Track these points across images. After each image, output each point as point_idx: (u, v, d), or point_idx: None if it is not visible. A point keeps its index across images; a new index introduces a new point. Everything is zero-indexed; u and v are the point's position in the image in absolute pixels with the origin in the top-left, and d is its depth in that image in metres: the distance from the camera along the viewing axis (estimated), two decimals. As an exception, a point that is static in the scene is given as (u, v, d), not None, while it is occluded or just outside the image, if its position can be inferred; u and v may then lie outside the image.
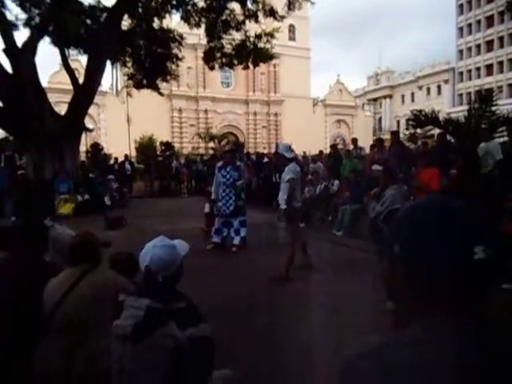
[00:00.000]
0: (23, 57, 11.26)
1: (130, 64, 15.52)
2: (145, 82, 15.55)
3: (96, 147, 19.38)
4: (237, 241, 6.70)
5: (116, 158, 18.27)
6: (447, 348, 0.60)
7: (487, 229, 0.66)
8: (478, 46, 49.73)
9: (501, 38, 47.09)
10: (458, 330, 0.61)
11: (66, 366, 1.94)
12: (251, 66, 15.35)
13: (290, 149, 5.68)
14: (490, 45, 48.51)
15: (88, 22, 13.48)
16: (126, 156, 17.74)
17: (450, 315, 0.62)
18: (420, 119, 7.08)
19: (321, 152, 13.05)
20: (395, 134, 8.99)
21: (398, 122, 55.18)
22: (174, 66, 15.56)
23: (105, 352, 1.74)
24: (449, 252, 0.62)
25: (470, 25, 50.66)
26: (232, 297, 4.50)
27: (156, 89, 15.99)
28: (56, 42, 13.24)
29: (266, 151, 29.08)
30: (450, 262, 0.62)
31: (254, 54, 14.31)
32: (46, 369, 1.97)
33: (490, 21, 48.13)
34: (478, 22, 49.54)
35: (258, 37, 14.15)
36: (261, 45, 14.29)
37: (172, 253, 1.80)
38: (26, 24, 12.95)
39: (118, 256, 2.75)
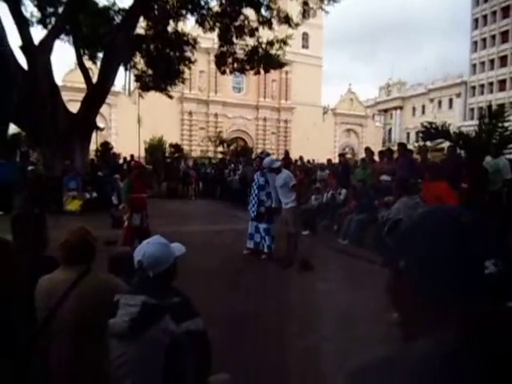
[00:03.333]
0: (39, 54, 11.42)
1: (140, 65, 15.69)
2: (151, 84, 15.73)
3: (106, 146, 19.53)
4: (265, 248, 6.79)
5: (125, 158, 18.40)
6: (458, 363, 0.58)
7: (498, 242, 0.64)
8: (492, 61, 49.49)
9: (515, 54, 46.86)
10: (469, 345, 0.60)
11: (73, 370, 1.92)
12: (262, 71, 15.43)
13: (273, 160, 6.88)
14: (503, 60, 48.25)
15: (103, 22, 13.69)
16: (131, 156, 17.86)
17: (461, 330, 0.60)
18: (430, 132, 7.06)
19: (329, 160, 13.01)
20: (402, 145, 8.97)
21: (408, 134, 54.97)
22: (186, 69, 15.69)
23: (105, 353, 1.75)
24: (459, 267, 0.60)
25: (484, 39, 50.49)
26: (234, 303, 4.49)
27: (164, 91, 16.13)
28: (71, 42, 13.45)
29: (274, 157, 29.06)
30: (461, 276, 0.60)
31: (265, 60, 14.38)
32: (55, 372, 1.94)
33: (504, 36, 47.92)
34: (493, 36, 49.36)
35: (271, 43, 14.23)
36: (273, 51, 14.37)
37: (165, 250, 1.84)
38: (40, 22, 13.18)
39: (118, 255, 2.70)
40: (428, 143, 9.56)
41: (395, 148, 9.71)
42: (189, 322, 1.68)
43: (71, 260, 2.03)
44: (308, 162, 15.95)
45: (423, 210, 0.73)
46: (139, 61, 15.59)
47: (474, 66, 51.53)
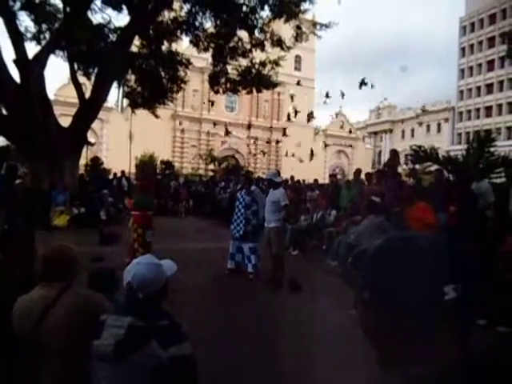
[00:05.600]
0: (32, 69, 11.43)
1: (131, 83, 15.81)
2: (140, 102, 15.83)
3: (96, 161, 19.46)
4: (250, 268, 6.64)
5: (115, 174, 18.30)
6: None
7: (458, 266, 0.62)
8: (479, 88, 50.91)
9: (501, 82, 48.27)
10: (435, 378, 0.58)
11: None
12: (255, 91, 15.65)
13: (277, 174, 6.73)
14: (489, 87, 49.69)
15: (98, 39, 13.83)
16: (122, 172, 17.75)
17: (428, 360, 0.58)
18: (419, 155, 7.17)
19: (315, 181, 13.11)
20: (392, 168, 9.05)
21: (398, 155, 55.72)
22: (179, 88, 15.85)
23: (88, 375, 1.68)
24: (418, 295, 0.58)
25: (471, 67, 52.04)
26: (219, 322, 4.42)
27: (152, 109, 16.21)
28: (66, 57, 13.52)
29: (264, 177, 29.16)
30: (420, 305, 0.58)
31: (257, 81, 14.60)
32: None
33: (490, 65, 49.48)
34: (479, 65, 50.92)
35: (263, 64, 14.48)
36: (265, 72, 14.61)
37: (156, 271, 1.75)
38: (34, 38, 13.28)
39: (99, 272, 2.66)
40: (417, 166, 9.70)
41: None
42: (176, 346, 1.61)
43: (50, 277, 1.96)
44: (298, 182, 16.03)
45: (383, 238, 0.71)
46: (130, 78, 15.72)
47: (462, 92, 52.94)
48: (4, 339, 1.96)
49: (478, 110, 50.98)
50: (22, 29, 12.64)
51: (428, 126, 55.95)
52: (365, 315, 0.67)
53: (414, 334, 0.60)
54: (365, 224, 5.32)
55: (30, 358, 1.87)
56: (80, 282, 2.34)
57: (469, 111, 51.91)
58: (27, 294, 1.96)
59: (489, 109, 49.75)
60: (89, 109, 12.77)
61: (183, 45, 21.44)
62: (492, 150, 7.89)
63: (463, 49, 53.21)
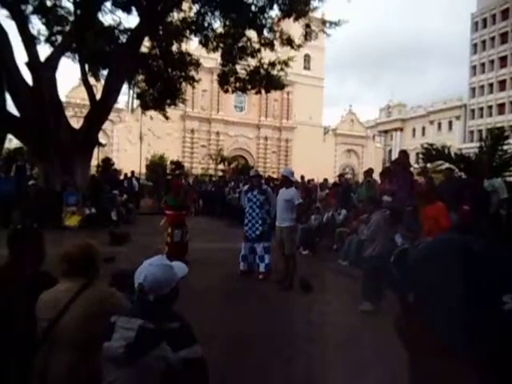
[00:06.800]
0: (44, 71, 11.58)
1: (142, 84, 15.92)
2: (151, 103, 15.92)
3: (107, 162, 19.61)
4: (262, 268, 6.59)
5: (125, 174, 18.46)
6: None
7: None
8: (491, 85, 50.15)
9: (514, 78, 47.50)
10: None
11: (72, 381, 1.89)
12: (264, 91, 15.63)
13: (293, 174, 6.66)
14: (502, 84, 48.90)
15: (108, 41, 13.96)
16: (132, 172, 17.90)
17: (478, 377, 0.54)
18: (431, 153, 7.10)
19: (325, 180, 13.10)
20: (402, 165, 8.96)
21: (408, 156, 55.16)
22: (189, 88, 15.94)
23: (100, 372, 1.70)
24: (474, 303, 0.54)
25: (483, 64, 51.29)
26: (231, 323, 4.42)
27: (163, 110, 16.30)
28: (77, 59, 13.67)
29: (275, 176, 29.16)
30: (476, 314, 0.54)
31: (266, 81, 14.58)
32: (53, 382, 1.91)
33: (503, 61, 48.71)
34: (492, 61, 50.16)
35: (272, 64, 14.45)
36: (274, 72, 14.58)
37: (168, 273, 1.75)
38: (48, 41, 13.46)
39: (121, 272, 2.70)
40: (428, 165, 9.59)
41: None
42: (187, 349, 1.60)
43: (72, 272, 2.03)
44: (308, 181, 15.97)
45: (432, 239, 0.67)
46: (141, 79, 15.84)
47: (474, 89, 52.21)
48: (20, 335, 2.01)
49: (490, 107, 50.20)
50: (34, 32, 12.85)
51: (439, 124, 55.29)
52: (407, 322, 0.62)
53: (470, 346, 0.56)
54: (375, 221, 5.41)
55: (50, 347, 1.93)
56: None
57: (481, 109, 51.14)
58: (50, 289, 2.02)
59: (501, 106, 48.93)
60: (99, 110, 12.89)
61: (192, 45, 21.52)
62: (505, 147, 7.79)
63: (475, 45, 52.45)
